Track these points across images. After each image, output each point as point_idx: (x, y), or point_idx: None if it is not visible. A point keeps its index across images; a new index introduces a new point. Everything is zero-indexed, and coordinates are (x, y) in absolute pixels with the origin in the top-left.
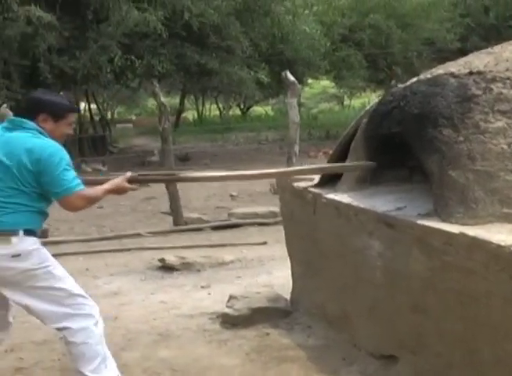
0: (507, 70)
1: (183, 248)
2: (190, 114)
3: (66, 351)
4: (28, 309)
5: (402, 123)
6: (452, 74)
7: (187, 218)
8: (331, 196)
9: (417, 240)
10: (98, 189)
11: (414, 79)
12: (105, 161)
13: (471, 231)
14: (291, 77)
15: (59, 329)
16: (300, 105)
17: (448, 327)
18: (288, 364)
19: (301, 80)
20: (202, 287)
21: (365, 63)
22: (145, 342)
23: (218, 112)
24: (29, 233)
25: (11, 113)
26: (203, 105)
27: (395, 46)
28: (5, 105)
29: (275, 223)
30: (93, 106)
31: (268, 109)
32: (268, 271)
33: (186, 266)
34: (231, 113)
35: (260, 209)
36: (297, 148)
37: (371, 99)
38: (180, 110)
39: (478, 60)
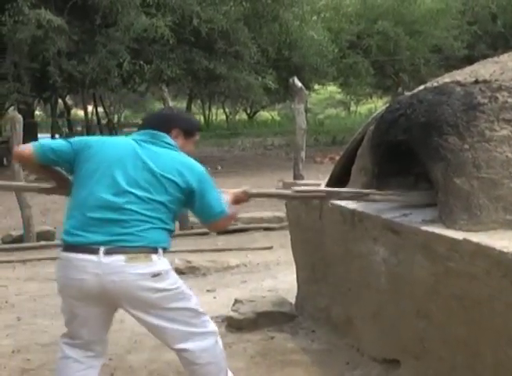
0: None
1: (189, 252)
2: (197, 119)
3: (186, 371)
4: (155, 330)
5: (408, 131)
6: (459, 83)
7: (193, 223)
8: (337, 201)
9: (421, 246)
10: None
11: (421, 87)
12: None
13: (475, 237)
14: (299, 84)
15: (180, 350)
16: (306, 111)
17: (451, 331)
18: (292, 368)
19: (308, 86)
20: (207, 290)
21: (372, 70)
22: (150, 345)
23: (224, 117)
24: (165, 251)
25: (20, 117)
26: (210, 109)
27: (403, 53)
28: (12, 107)
29: (281, 228)
30: (100, 109)
31: (275, 114)
32: (274, 275)
33: (192, 270)
34: (237, 118)
35: (266, 214)
36: (303, 154)
37: (378, 105)
38: None
39: (484, 69)
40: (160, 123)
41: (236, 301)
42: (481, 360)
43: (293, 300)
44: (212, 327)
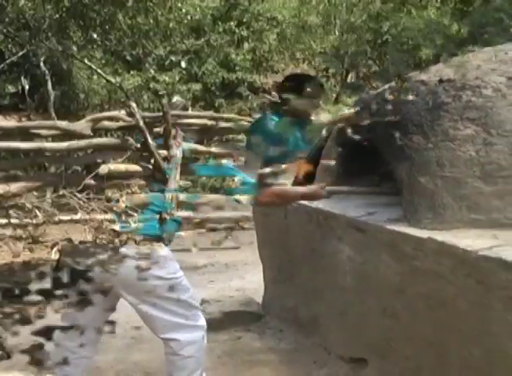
0: (477, 78)
1: None
2: None
3: (166, 361)
4: (146, 317)
5: (372, 130)
6: (423, 82)
7: None
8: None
9: (387, 245)
10: (290, 191)
11: (386, 86)
12: None
13: (439, 236)
14: None
15: (167, 340)
16: None
17: (417, 330)
18: (259, 368)
19: None
20: None
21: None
22: (118, 345)
23: None
24: (170, 241)
25: None
26: None
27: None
28: None
29: (249, 228)
30: None
31: None
32: (241, 275)
33: None
34: None
35: (233, 213)
36: None
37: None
38: None
39: (449, 68)
40: None
41: (203, 301)
42: (446, 359)
43: (260, 300)
44: (202, 321)
